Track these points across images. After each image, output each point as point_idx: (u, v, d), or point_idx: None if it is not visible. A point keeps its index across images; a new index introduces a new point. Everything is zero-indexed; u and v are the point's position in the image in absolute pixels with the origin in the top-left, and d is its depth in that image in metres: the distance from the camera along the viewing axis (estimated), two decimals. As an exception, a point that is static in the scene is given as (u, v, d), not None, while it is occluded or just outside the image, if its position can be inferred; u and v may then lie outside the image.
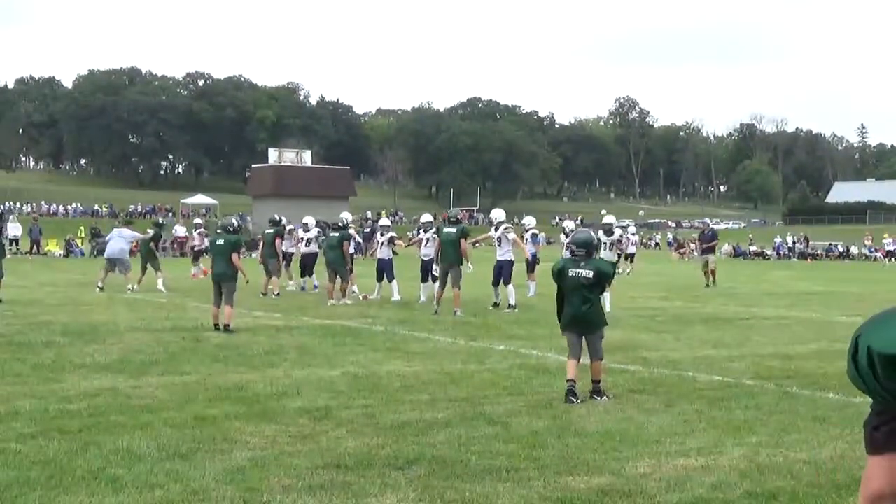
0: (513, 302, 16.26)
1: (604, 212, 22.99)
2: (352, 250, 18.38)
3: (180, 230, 44.08)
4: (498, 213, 17.39)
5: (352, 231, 18.85)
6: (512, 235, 16.81)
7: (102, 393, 8.01)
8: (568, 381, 7.98)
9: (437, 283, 16.08)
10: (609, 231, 17.25)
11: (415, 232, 23.87)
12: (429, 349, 11.23)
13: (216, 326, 12.73)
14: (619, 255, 31.25)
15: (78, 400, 7.69)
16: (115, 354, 10.38)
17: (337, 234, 17.90)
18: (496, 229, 16.89)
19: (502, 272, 16.57)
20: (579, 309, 8.10)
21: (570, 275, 8.16)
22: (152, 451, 5.99)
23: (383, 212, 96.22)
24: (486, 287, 17.62)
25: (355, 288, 18.27)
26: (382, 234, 18.73)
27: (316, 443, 6.32)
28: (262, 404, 7.62)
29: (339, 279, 17.50)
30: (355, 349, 11.11)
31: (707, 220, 43.16)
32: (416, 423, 6.95)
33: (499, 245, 16.78)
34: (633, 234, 32.68)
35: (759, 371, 9.85)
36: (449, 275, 15.57)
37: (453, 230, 15.67)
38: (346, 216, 18.85)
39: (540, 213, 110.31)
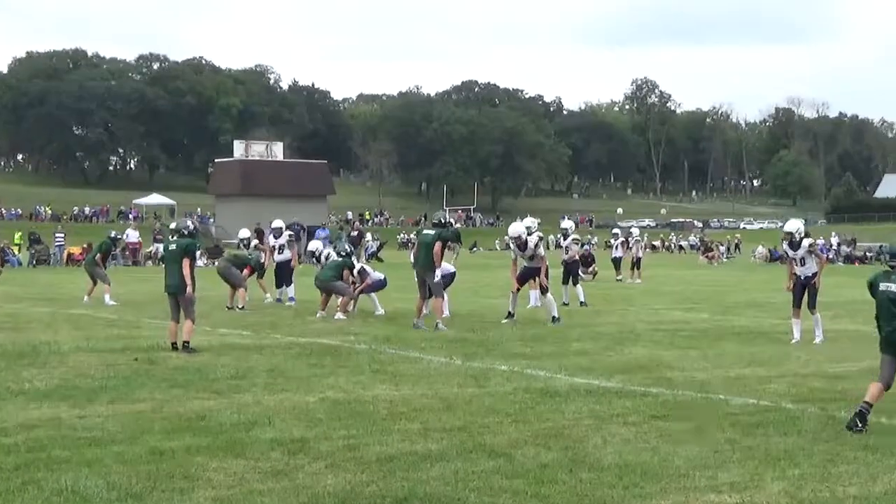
0: (582, 298, 20.34)
1: (565, 217, 24.01)
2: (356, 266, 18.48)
3: (132, 235, 44.09)
4: (567, 224, 22.37)
5: (355, 262, 19.01)
6: (575, 248, 21.47)
7: (43, 424, 7.97)
8: (864, 403, 8.01)
9: (417, 294, 16.24)
10: (566, 235, 21.49)
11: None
12: (420, 370, 11.21)
13: (174, 345, 12.70)
14: (614, 262, 32.00)
15: (14, 433, 7.65)
16: (57, 379, 10.34)
17: (339, 260, 18.30)
18: (565, 238, 21.72)
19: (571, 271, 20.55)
20: (888, 326, 8.23)
21: (880, 288, 8.37)
22: (101, 491, 5.95)
23: (367, 213, 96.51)
24: (485, 298, 17.61)
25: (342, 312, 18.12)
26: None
27: (291, 480, 6.29)
28: (227, 435, 7.59)
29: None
30: (335, 371, 11.09)
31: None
32: (405, 457, 6.93)
33: (566, 253, 21.09)
34: (637, 237, 32.74)
35: (800, 393, 9.86)
36: (427, 282, 15.83)
37: (431, 232, 16.07)
38: (346, 247, 19.40)
39: (546, 213, 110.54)
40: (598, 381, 10.38)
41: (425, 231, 16.38)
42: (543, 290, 16.93)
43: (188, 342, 12.61)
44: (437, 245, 15.71)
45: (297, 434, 7.65)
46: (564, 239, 22.08)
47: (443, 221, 16.43)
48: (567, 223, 22.93)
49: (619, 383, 10.29)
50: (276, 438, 7.49)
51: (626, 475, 6.44)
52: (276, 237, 21.23)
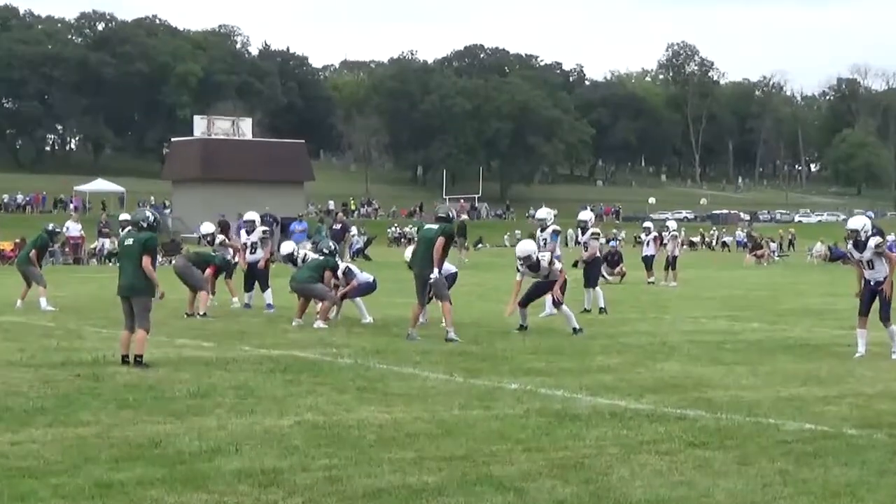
0: (602, 304, 20.81)
1: (542, 208, 23.30)
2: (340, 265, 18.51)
3: (74, 228, 44.12)
4: (586, 215, 22.38)
5: (339, 262, 19.05)
6: (596, 243, 21.70)
7: (-32, 451, 7.99)
8: None
9: (416, 299, 16.28)
10: (584, 229, 21.75)
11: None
12: (414, 389, 11.22)
13: (125, 359, 12.72)
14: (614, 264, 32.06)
15: (-65, 461, 7.66)
16: (-15, 399, 10.35)
17: (321, 259, 18.30)
18: (583, 232, 21.90)
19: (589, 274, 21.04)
20: None
21: None
22: (37, 530, 5.96)
23: (352, 202, 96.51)
24: (492, 303, 17.62)
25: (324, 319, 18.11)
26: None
27: (261, 518, 6.30)
28: (187, 465, 7.61)
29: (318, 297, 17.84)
30: (314, 390, 11.10)
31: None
32: (397, 490, 6.95)
33: (585, 250, 21.49)
34: (672, 232, 32.78)
35: (864, 416, 9.88)
36: (428, 284, 15.87)
37: (434, 226, 16.14)
38: (329, 244, 19.31)
39: (565, 203, 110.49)
40: (625, 402, 10.40)
41: (427, 226, 16.49)
42: (557, 304, 16.96)
43: (141, 356, 12.63)
44: (440, 240, 15.72)
45: (270, 464, 7.66)
46: (583, 233, 22.03)
47: (449, 216, 16.47)
48: (586, 214, 22.86)
49: (651, 405, 10.31)
50: (244, 469, 7.50)
51: (658, 513, 6.46)
52: (248, 233, 21.16)
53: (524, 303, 17.12)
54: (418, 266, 16.04)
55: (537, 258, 16.65)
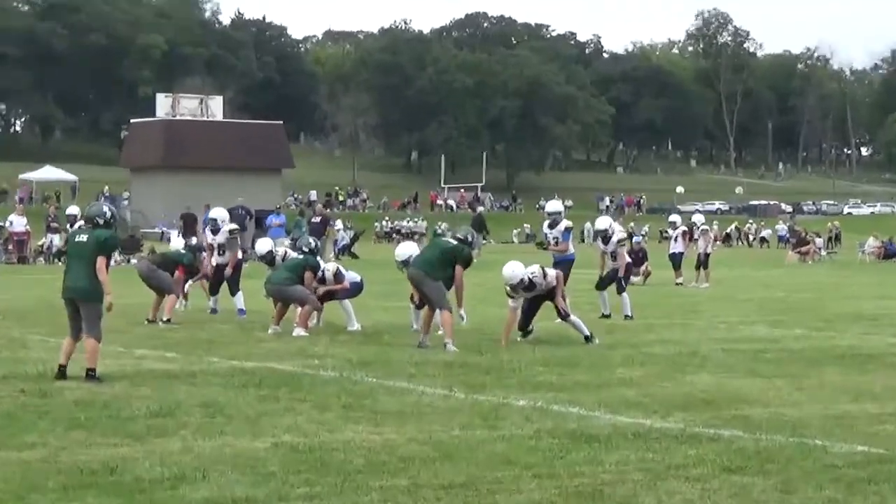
0: (629, 312, 20.67)
1: (553, 200, 22.88)
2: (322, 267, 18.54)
3: (18, 223, 44.03)
4: (604, 222, 21.46)
5: (321, 262, 19.08)
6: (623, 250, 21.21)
7: None
8: None
9: (425, 306, 16.41)
10: (606, 239, 20.83)
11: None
12: (408, 406, 11.21)
13: (62, 370, 12.64)
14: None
15: None
16: (-85, 418, 10.33)
17: (300, 258, 18.27)
18: (605, 241, 20.83)
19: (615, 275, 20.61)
20: None
21: None
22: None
23: (338, 191, 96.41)
24: (497, 308, 17.58)
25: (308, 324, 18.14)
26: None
27: (232, 555, 6.28)
28: (146, 495, 7.58)
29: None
30: (293, 407, 11.09)
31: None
32: (389, 523, 6.92)
33: (613, 260, 20.82)
34: (703, 225, 32.78)
35: (925, 437, 9.85)
36: (424, 291, 15.95)
37: (451, 241, 16.55)
38: (310, 241, 19.21)
39: (580, 193, 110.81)
40: (649, 421, 10.39)
41: (444, 238, 16.85)
42: (563, 317, 16.87)
43: (93, 369, 12.60)
44: (459, 270, 15.89)
45: (241, 493, 7.63)
46: (605, 243, 21.20)
47: (468, 240, 16.54)
48: (603, 222, 21.82)
49: (680, 423, 10.31)
50: (212, 498, 7.47)
51: (688, 549, 6.44)
52: (213, 232, 20.99)
53: (524, 324, 16.99)
54: (419, 269, 16.07)
55: (530, 278, 16.29)
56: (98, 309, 12.81)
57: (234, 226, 21.32)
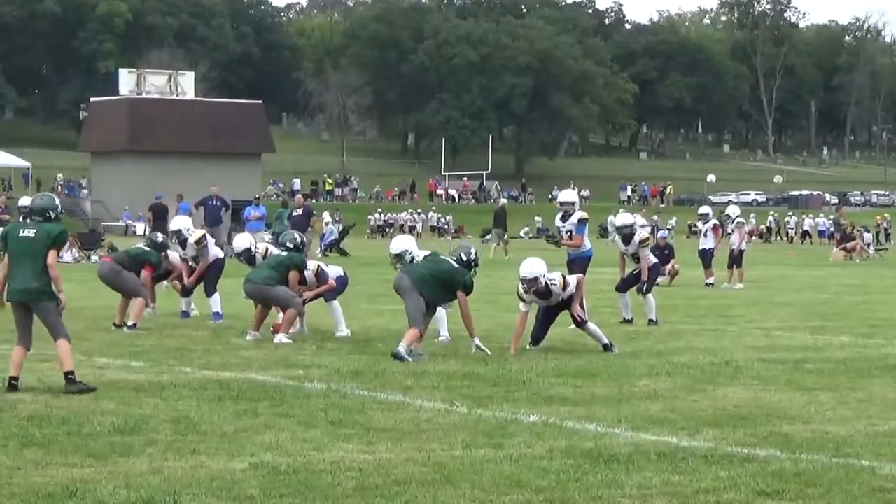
0: (653, 316, 20.68)
1: (567, 189, 22.74)
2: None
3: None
4: (625, 219, 21.63)
5: (306, 258, 19.12)
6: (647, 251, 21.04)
7: None
8: None
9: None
10: (627, 239, 20.69)
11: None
12: (404, 422, 11.22)
13: (12, 382, 12.65)
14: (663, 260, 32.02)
15: None
16: None
17: (283, 255, 18.22)
18: (626, 241, 20.74)
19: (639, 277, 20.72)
20: None
21: None
22: None
23: (326, 179, 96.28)
24: (506, 312, 17.58)
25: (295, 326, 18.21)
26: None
27: (206, 589, 6.32)
28: (110, 521, 7.60)
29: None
30: (275, 423, 11.11)
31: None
32: (382, 554, 6.96)
33: (636, 261, 20.82)
34: (738, 218, 32.79)
35: None
36: (405, 302, 16.19)
37: (450, 261, 16.64)
38: (295, 236, 19.12)
39: (599, 182, 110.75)
40: (675, 439, 10.41)
41: (443, 257, 16.93)
42: (579, 324, 16.89)
43: (72, 371, 12.61)
44: (462, 297, 16.11)
45: (217, 519, 7.66)
46: (625, 243, 21.14)
47: (470, 261, 16.63)
48: (623, 218, 21.92)
49: (710, 442, 10.33)
50: (184, 525, 7.51)
51: (718, 582, 6.47)
52: (181, 245, 20.69)
53: (538, 335, 17.10)
54: (408, 279, 16.20)
55: (547, 283, 16.30)
56: (54, 307, 12.82)
57: (200, 233, 20.90)
